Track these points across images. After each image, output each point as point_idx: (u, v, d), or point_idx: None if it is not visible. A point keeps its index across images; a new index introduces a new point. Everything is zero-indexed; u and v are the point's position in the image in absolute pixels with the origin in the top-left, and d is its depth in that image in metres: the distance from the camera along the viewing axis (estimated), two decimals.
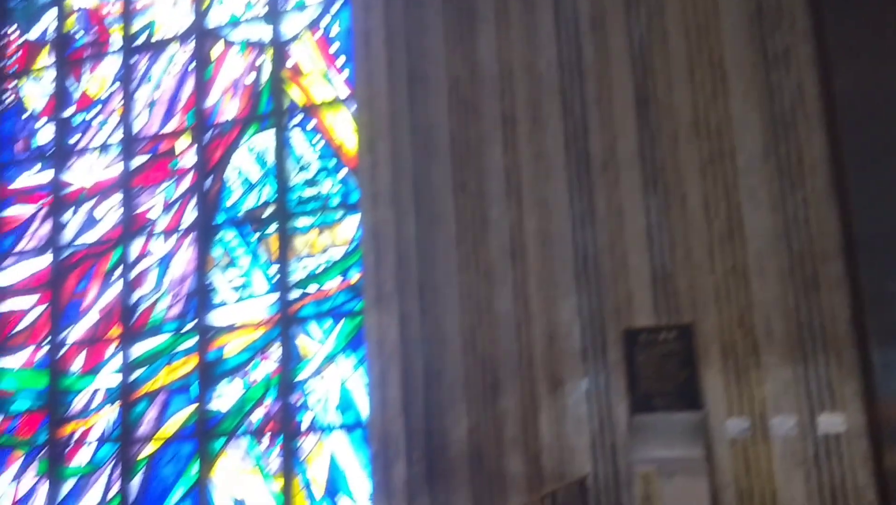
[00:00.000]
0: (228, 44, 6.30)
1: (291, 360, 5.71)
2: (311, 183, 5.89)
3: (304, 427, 5.60)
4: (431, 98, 5.72)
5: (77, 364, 6.32)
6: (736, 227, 5.28)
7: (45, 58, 6.96)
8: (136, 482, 5.94)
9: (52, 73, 6.86)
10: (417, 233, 5.72)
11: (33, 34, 7.05)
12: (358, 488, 5.39)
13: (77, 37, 6.88)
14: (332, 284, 5.71)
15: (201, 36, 6.34)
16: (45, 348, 6.40)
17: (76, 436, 6.20)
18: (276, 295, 5.81)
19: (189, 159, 6.26)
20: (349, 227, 5.73)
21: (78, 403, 6.26)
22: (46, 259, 6.55)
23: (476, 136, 5.67)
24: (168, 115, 6.42)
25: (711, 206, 5.35)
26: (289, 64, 6.07)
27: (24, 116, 6.92)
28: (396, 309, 5.30)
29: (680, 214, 5.39)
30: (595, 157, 5.58)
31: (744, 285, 5.21)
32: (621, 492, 5.25)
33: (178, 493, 5.83)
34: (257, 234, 5.98)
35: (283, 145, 5.98)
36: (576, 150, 5.57)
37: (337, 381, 5.59)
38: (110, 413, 6.13)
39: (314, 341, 5.69)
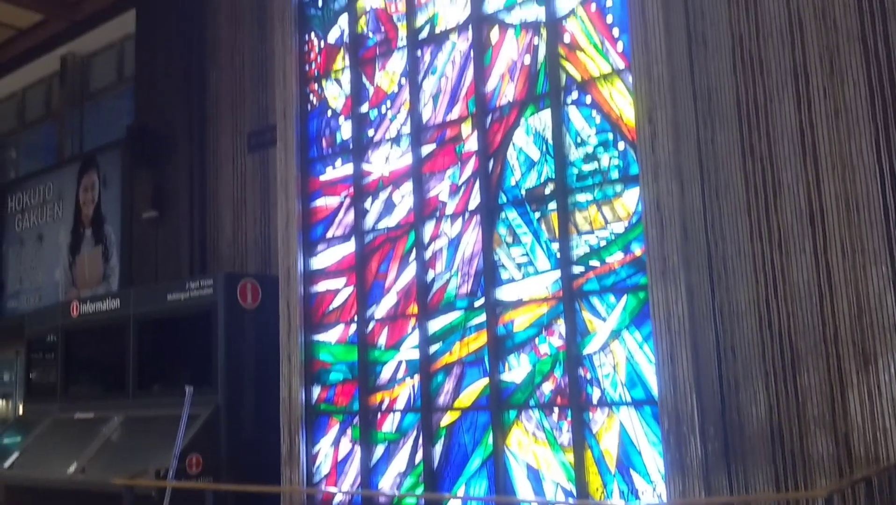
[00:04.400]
0: (505, 27, 6.45)
1: (577, 335, 5.77)
2: (589, 158, 5.89)
3: (593, 401, 5.64)
4: (713, 60, 5.47)
5: (382, 339, 6.88)
6: None
7: (342, 59, 7.60)
8: (438, 449, 6.36)
9: (348, 73, 7.47)
10: (703, 202, 5.51)
11: (330, 38, 7.72)
12: (651, 465, 5.33)
13: (368, 37, 7.43)
14: (615, 258, 5.67)
15: (479, 23, 6.56)
16: (354, 325, 7.04)
17: (384, 405, 6.77)
18: (559, 271, 5.88)
19: (472, 144, 6.53)
20: (630, 200, 5.64)
21: (384, 375, 6.82)
22: (351, 244, 7.19)
23: (764, 96, 5.33)
24: (451, 102, 6.73)
25: None
26: (564, 41, 6.09)
27: (327, 115, 7.63)
28: (683, 283, 5.15)
29: None
30: None
31: None
32: None
33: (476, 460, 6.15)
34: (538, 213, 6.10)
35: (560, 122, 6.03)
36: (882, 100, 5.04)
37: (623, 356, 5.55)
38: (412, 384, 6.61)
39: (598, 317, 5.69)
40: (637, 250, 5.55)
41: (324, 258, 7.39)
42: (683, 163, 5.37)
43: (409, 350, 6.68)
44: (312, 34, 7.83)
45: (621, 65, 5.77)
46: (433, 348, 6.53)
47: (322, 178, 7.55)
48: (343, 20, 7.59)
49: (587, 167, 5.88)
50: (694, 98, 5.51)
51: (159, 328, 8.29)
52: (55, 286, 10.73)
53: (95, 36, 10.76)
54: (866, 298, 5.02)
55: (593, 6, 5.96)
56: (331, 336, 7.22)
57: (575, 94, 5.99)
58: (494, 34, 6.50)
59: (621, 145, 5.74)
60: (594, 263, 5.76)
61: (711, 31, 5.48)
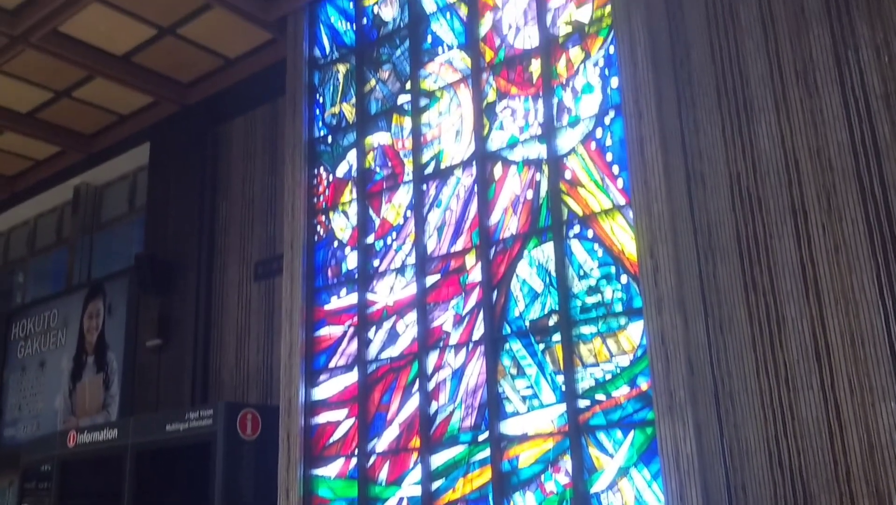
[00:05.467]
0: (507, 164, 6.63)
1: (584, 472, 5.63)
2: (593, 290, 5.92)
3: None
4: (712, 197, 5.59)
5: (383, 474, 6.72)
6: None
7: (349, 192, 7.78)
8: None
9: (356, 205, 7.63)
10: (708, 337, 5.50)
11: (339, 172, 7.93)
12: None
13: (375, 171, 7.63)
14: (621, 392, 5.61)
15: (483, 159, 6.75)
16: (355, 459, 6.89)
17: None
18: (565, 405, 5.81)
19: (476, 275, 6.59)
20: (634, 333, 5.64)
21: None
22: (354, 375, 7.14)
23: (764, 231, 5.41)
24: (456, 234, 6.84)
25: None
26: (565, 177, 6.25)
27: (334, 246, 7.74)
28: (691, 419, 5.07)
29: None
30: None
31: None
32: None
33: None
34: (543, 344, 6.08)
35: (563, 255, 6.10)
36: (881, 237, 5.11)
37: (632, 495, 5.41)
38: None
39: (605, 453, 5.58)
40: (643, 384, 5.50)
41: (326, 389, 7.32)
42: (686, 297, 5.40)
43: (411, 486, 6.51)
44: (322, 168, 8.05)
45: (622, 201, 5.90)
46: (436, 484, 6.36)
47: (326, 307, 7.58)
48: (352, 156, 7.82)
49: (591, 300, 5.91)
50: (694, 233, 5.60)
51: (157, 459, 8.12)
52: (54, 414, 10.59)
53: (109, 167, 11.07)
54: (877, 434, 4.92)
55: (593, 145, 6.15)
56: (331, 470, 7.05)
57: (577, 228, 6.10)
58: (498, 170, 6.68)
59: (624, 279, 5.79)
60: (600, 396, 5.70)
61: (709, 170, 5.63)
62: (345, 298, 7.48)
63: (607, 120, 6.12)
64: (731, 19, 5.75)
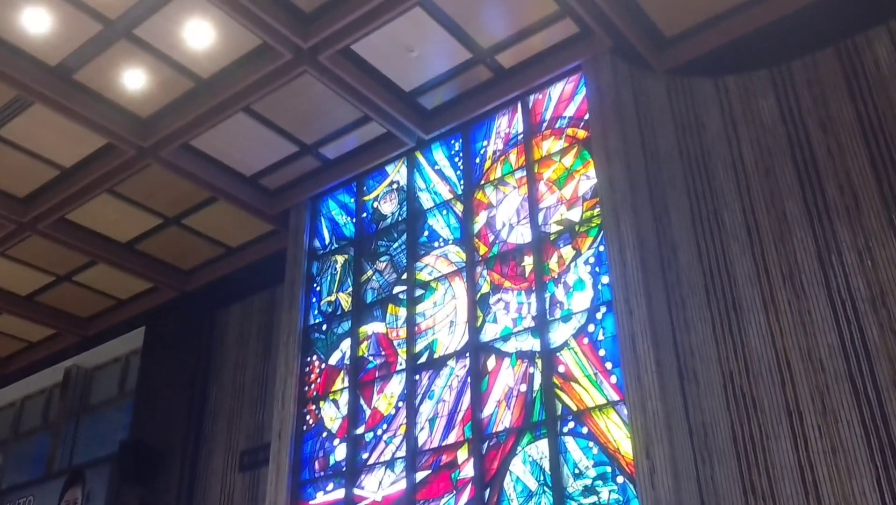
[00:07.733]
0: (501, 356, 6.64)
1: None
2: (588, 491, 5.75)
3: None
4: (706, 396, 5.57)
5: None
6: None
7: (341, 381, 7.72)
8: None
9: (347, 394, 7.55)
10: None
11: (332, 360, 7.91)
12: None
13: (368, 360, 7.61)
14: None
15: (476, 351, 6.77)
16: None
17: None
18: None
19: (468, 470, 6.41)
20: None
21: None
22: None
23: (760, 432, 5.35)
24: (448, 427, 6.73)
25: None
26: (558, 371, 6.24)
27: (322, 436, 7.58)
28: None
29: None
30: None
31: None
32: None
33: None
34: None
35: (557, 453, 5.97)
36: (878, 440, 5.04)
37: None
38: None
39: None
40: None
41: None
42: (685, 501, 5.24)
43: None
44: (315, 356, 8.03)
45: (615, 397, 5.86)
46: None
47: (312, 503, 7.31)
48: (345, 344, 7.83)
49: (586, 501, 5.72)
50: (690, 433, 5.52)
51: None
52: None
53: (103, 350, 11.02)
54: None
55: (586, 340, 6.20)
56: None
57: (571, 424, 6.01)
58: (491, 362, 6.68)
59: (620, 479, 5.63)
60: None
61: (702, 368, 5.65)
62: (331, 493, 7.23)
63: (599, 315, 6.20)
64: (716, 223, 5.98)
